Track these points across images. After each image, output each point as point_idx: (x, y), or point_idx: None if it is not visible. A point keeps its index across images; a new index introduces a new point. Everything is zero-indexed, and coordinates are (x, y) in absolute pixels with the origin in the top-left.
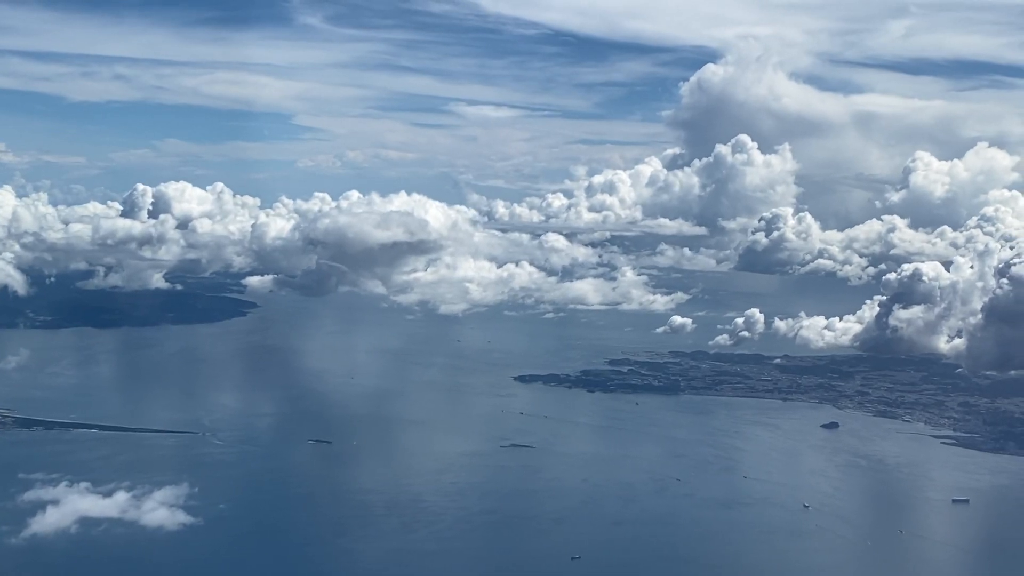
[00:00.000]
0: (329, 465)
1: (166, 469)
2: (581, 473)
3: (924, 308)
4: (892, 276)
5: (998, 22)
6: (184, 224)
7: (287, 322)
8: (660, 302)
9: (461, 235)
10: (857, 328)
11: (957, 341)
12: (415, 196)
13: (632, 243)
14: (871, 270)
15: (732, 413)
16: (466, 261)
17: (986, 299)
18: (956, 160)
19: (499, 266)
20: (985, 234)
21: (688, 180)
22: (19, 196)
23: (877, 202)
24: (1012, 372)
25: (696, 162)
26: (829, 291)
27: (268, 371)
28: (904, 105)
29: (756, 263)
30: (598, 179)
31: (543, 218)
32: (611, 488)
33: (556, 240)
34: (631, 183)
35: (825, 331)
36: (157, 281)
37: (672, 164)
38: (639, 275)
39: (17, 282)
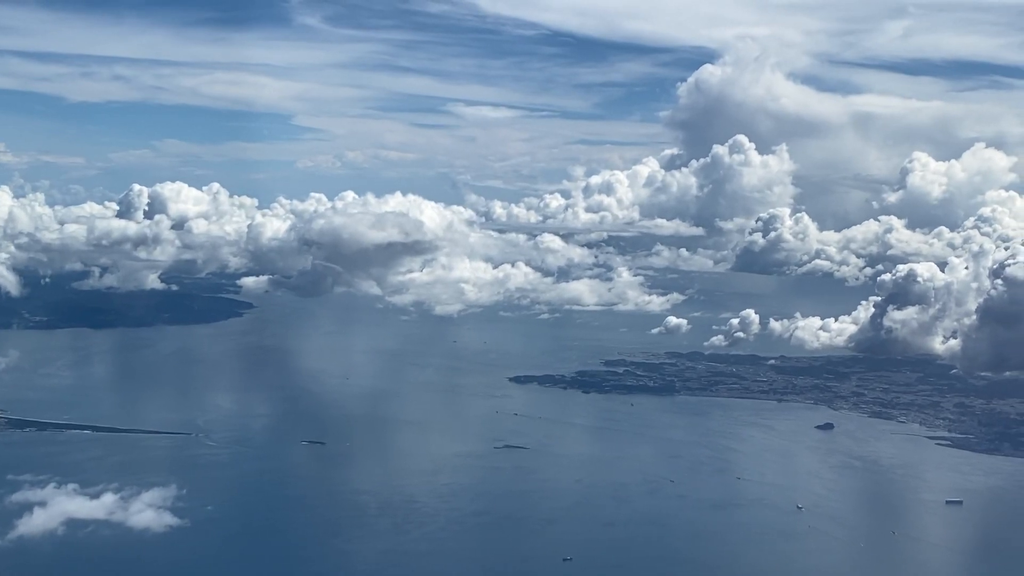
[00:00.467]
0: (322, 466)
1: (157, 470)
2: (574, 474)
3: (919, 309)
4: (887, 277)
5: (996, 23)
6: (180, 225)
7: (283, 323)
8: (656, 303)
9: (457, 236)
10: (852, 329)
11: (952, 342)
12: (411, 196)
13: (628, 244)
14: (868, 271)
15: (727, 414)
16: (462, 262)
17: (981, 300)
18: (954, 161)
19: (495, 267)
20: (982, 235)
21: (686, 180)
22: (16, 196)
23: (874, 203)
24: (1007, 373)
25: (694, 162)
26: (826, 292)
27: (263, 372)
28: (902, 106)
29: (753, 264)
30: (595, 180)
31: (540, 219)
32: (604, 489)
33: (552, 241)
34: (628, 184)
35: (820, 332)
36: (152, 282)
37: (670, 164)
38: (635, 276)
39: (11, 283)
